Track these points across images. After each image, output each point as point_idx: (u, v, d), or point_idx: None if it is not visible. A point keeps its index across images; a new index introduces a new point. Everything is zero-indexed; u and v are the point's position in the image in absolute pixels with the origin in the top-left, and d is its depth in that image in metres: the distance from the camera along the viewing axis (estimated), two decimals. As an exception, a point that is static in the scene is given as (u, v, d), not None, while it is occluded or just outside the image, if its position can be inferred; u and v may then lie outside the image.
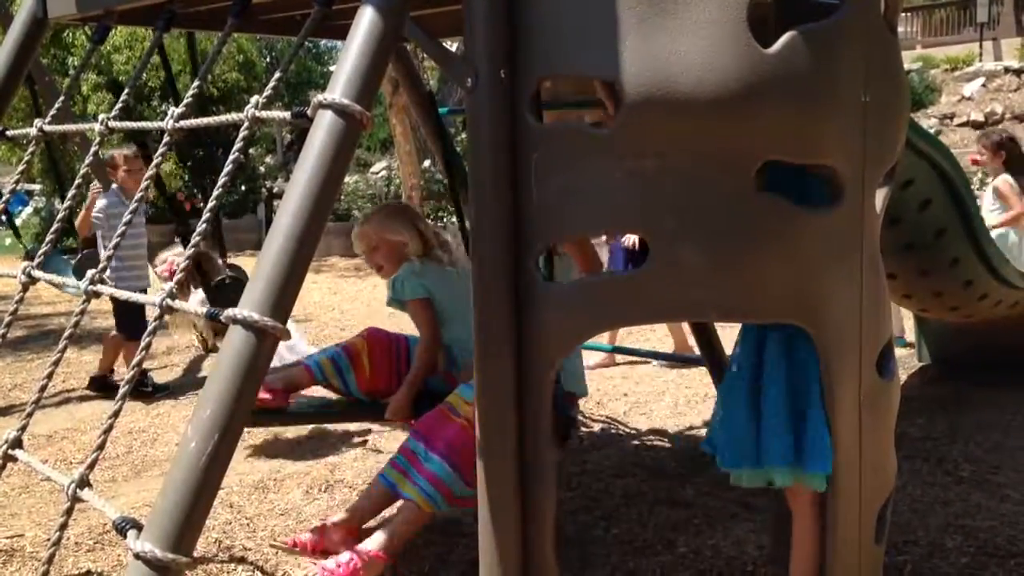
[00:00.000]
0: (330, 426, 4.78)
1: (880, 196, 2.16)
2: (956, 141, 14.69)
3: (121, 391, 1.83)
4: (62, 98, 2.72)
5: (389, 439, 4.53)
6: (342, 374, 3.42)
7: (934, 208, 3.78)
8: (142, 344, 1.84)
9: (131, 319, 5.31)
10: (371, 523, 3.11)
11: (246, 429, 3.83)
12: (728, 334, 3.09)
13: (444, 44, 2.11)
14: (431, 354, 3.36)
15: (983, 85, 16.66)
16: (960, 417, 4.54)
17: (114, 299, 5.18)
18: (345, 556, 2.78)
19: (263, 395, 3.21)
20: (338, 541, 2.94)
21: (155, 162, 2.14)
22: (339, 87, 1.78)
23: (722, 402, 2.39)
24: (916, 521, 3.33)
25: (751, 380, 2.26)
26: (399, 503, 3.00)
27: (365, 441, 4.54)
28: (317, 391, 3.60)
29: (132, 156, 5.40)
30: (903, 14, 19.02)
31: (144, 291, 5.25)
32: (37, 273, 2.28)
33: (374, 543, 2.82)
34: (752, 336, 2.29)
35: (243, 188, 14.65)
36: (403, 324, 3.66)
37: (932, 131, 13.22)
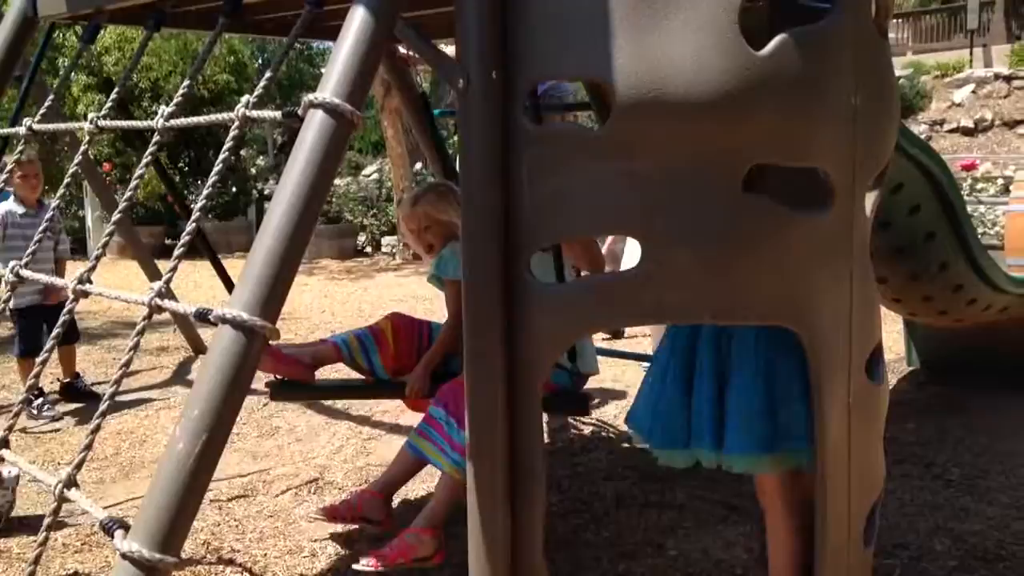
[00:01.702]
0: (319, 428, 4.77)
1: (870, 200, 2.16)
2: (946, 147, 14.77)
3: (108, 391, 1.82)
4: (51, 97, 2.71)
5: (381, 443, 4.52)
6: (367, 353, 3.44)
7: (924, 212, 3.79)
8: (130, 344, 1.83)
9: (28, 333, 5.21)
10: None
11: (235, 430, 3.83)
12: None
13: (438, 46, 2.12)
14: (455, 332, 3.32)
15: (973, 91, 16.74)
16: (949, 421, 4.56)
17: (13, 312, 5.12)
18: (395, 540, 2.84)
19: (292, 366, 3.30)
20: (373, 508, 3.07)
21: (144, 161, 2.14)
22: (330, 86, 1.78)
23: (652, 385, 2.45)
24: (905, 525, 3.34)
25: (685, 367, 2.34)
26: (434, 473, 3.08)
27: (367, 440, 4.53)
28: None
29: (27, 162, 5.19)
30: (893, 20, 19.12)
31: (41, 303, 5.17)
32: (25, 272, 2.27)
33: (419, 521, 2.88)
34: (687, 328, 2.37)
35: (234, 190, 14.60)
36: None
37: (922, 137, 13.26)
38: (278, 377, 3.36)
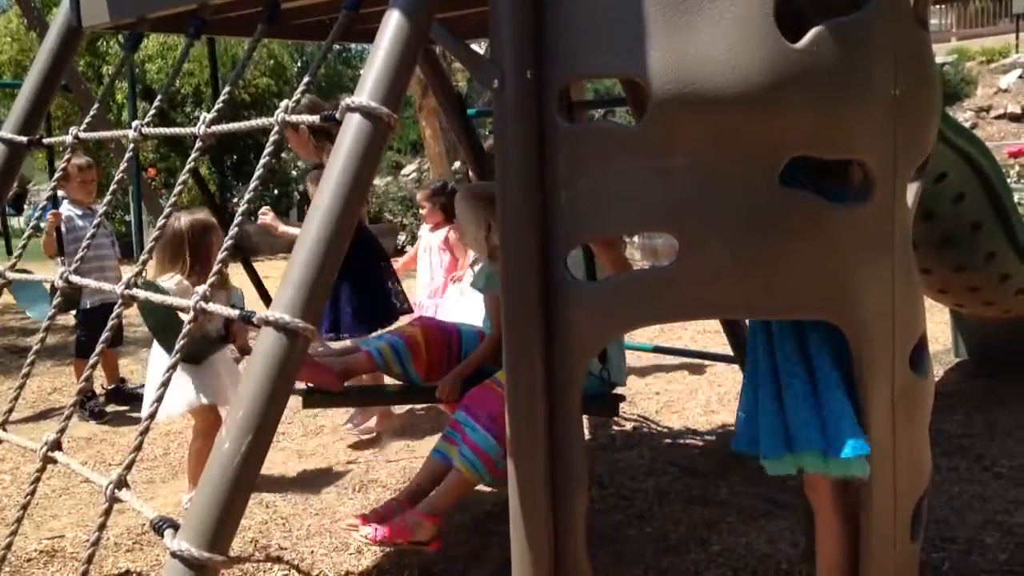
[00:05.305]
0: (366, 430, 4.81)
1: (912, 191, 2.14)
2: (992, 134, 14.49)
3: (156, 394, 1.86)
4: (96, 105, 2.76)
5: (424, 443, 4.55)
6: (402, 361, 3.43)
7: (968, 202, 3.74)
8: (177, 346, 1.87)
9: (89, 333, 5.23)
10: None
11: (281, 429, 3.88)
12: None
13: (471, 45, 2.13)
14: (495, 346, 3.34)
15: (1020, 77, 16.39)
16: (997, 413, 4.48)
17: (79, 312, 5.22)
18: (397, 519, 2.89)
19: (323, 375, 3.32)
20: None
21: (188, 167, 2.17)
22: (366, 90, 1.80)
23: (751, 398, 2.38)
24: (954, 518, 3.29)
25: (772, 372, 2.27)
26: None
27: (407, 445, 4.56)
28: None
29: (86, 166, 5.32)
30: (937, 6, 18.77)
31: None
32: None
33: (423, 507, 2.94)
34: (762, 330, 2.29)
35: (275, 192, 14.79)
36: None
37: (968, 124, 13.02)
38: (309, 385, 3.37)
